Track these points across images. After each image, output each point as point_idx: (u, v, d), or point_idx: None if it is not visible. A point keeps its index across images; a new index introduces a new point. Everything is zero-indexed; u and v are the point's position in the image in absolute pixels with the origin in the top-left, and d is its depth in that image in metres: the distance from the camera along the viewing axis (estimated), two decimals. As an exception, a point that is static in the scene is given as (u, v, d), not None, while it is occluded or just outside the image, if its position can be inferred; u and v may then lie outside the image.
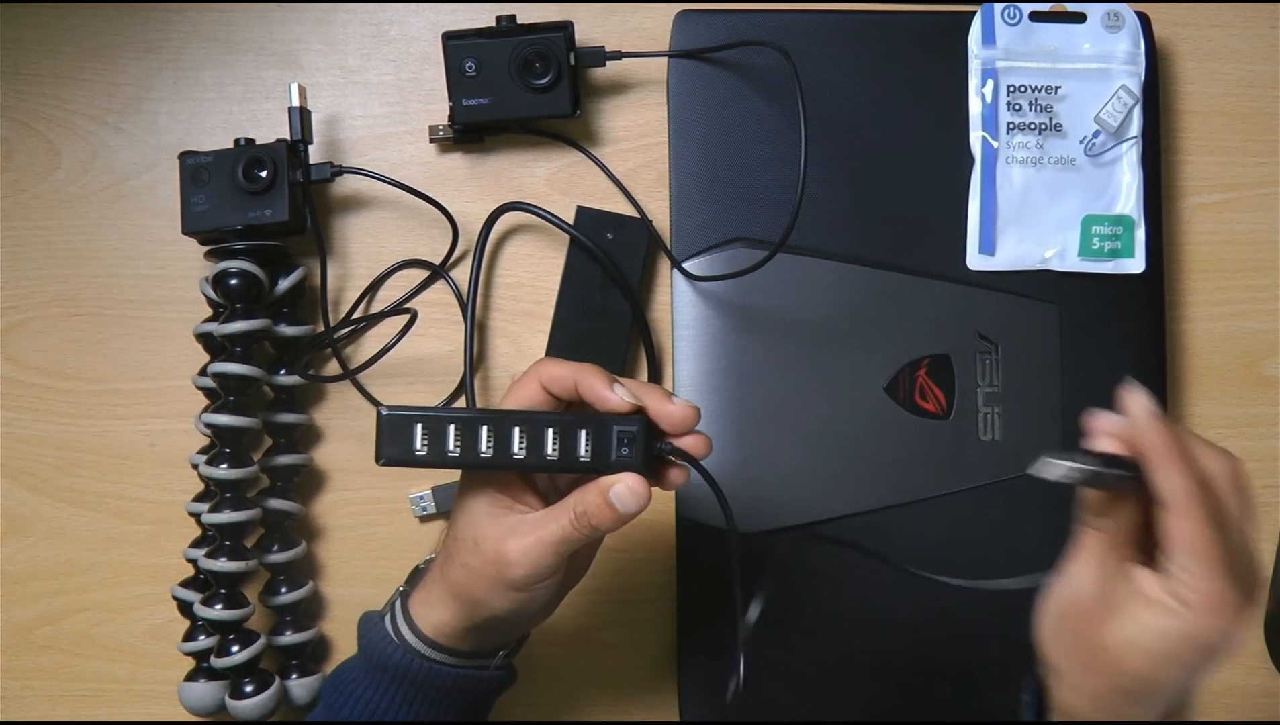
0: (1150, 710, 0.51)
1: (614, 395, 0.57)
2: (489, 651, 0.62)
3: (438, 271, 0.75)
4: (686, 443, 0.57)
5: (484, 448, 0.57)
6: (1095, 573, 0.52)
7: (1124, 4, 0.75)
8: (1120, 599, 0.51)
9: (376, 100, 0.76)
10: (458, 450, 0.57)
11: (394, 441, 0.57)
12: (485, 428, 0.57)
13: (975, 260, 0.74)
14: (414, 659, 0.60)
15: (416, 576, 0.65)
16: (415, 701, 0.61)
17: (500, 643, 0.63)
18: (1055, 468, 0.50)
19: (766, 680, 0.73)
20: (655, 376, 0.75)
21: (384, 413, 0.57)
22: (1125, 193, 0.74)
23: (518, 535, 0.57)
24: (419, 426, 0.57)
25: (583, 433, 0.57)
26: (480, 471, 0.59)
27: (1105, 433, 0.52)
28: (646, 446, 0.57)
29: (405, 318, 0.71)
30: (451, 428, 0.57)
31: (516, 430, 0.57)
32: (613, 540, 0.66)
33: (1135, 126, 0.74)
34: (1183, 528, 0.48)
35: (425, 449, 0.57)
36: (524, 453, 0.57)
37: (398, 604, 0.62)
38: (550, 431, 0.57)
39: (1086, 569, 0.53)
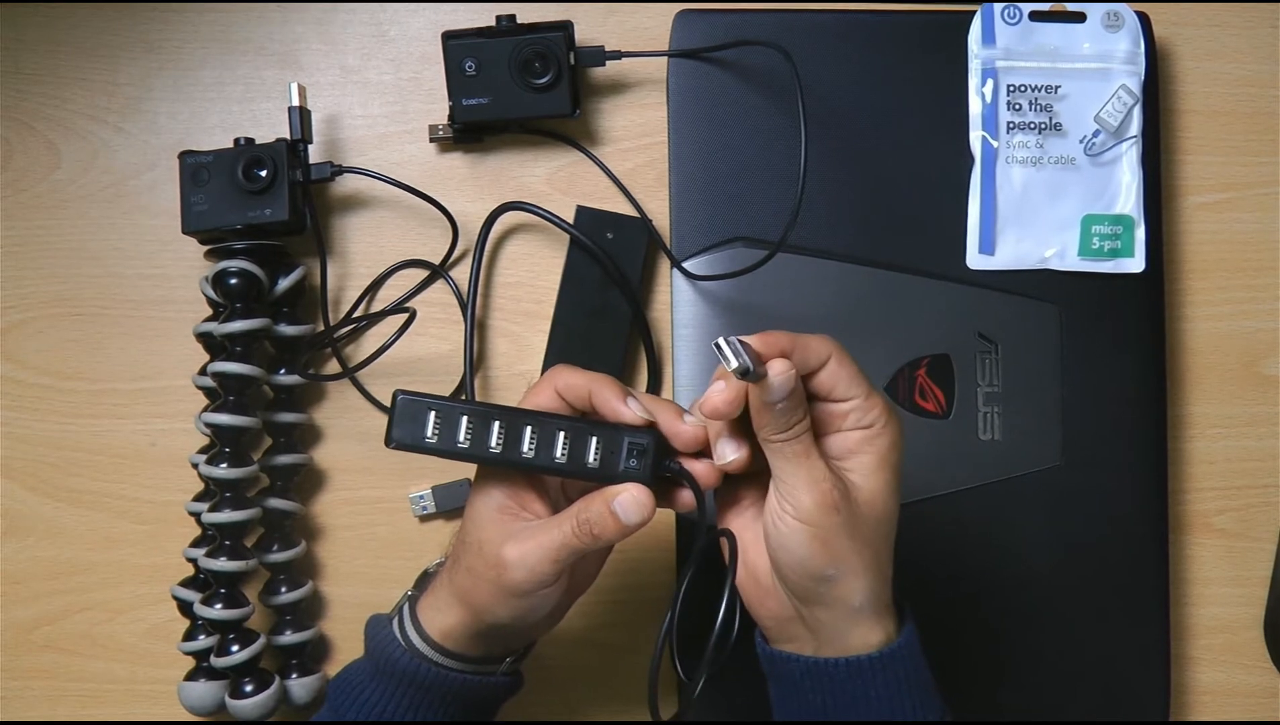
0: (894, 530, 0.57)
1: (627, 408, 0.57)
2: (497, 657, 0.62)
3: (437, 271, 0.75)
4: (700, 468, 0.58)
5: (494, 443, 0.57)
6: (821, 468, 0.55)
7: (1124, 4, 0.75)
8: (841, 472, 0.56)
9: (376, 100, 0.76)
10: (468, 442, 0.57)
11: (406, 425, 0.57)
12: (498, 423, 0.57)
13: (975, 260, 0.74)
14: (421, 663, 0.60)
15: (425, 580, 0.65)
16: (421, 705, 0.61)
17: (507, 649, 0.63)
18: (733, 356, 0.53)
19: (765, 680, 0.73)
20: (655, 376, 0.75)
21: (399, 395, 0.57)
22: (1125, 192, 0.74)
23: (518, 540, 0.57)
24: (432, 413, 0.57)
25: (593, 439, 0.57)
26: (490, 473, 0.59)
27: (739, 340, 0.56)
28: (655, 461, 0.57)
29: (405, 317, 0.71)
30: (464, 418, 0.57)
31: (528, 429, 0.57)
32: (612, 540, 0.66)
33: (1135, 126, 0.74)
34: (846, 368, 0.56)
35: (436, 436, 0.57)
36: (533, 453, 0.57)
37: (406, 608, 0.62)
38: (561, 434, 0.57)
39: (815, 471, 0.54)
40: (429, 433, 0.57)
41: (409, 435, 0.57)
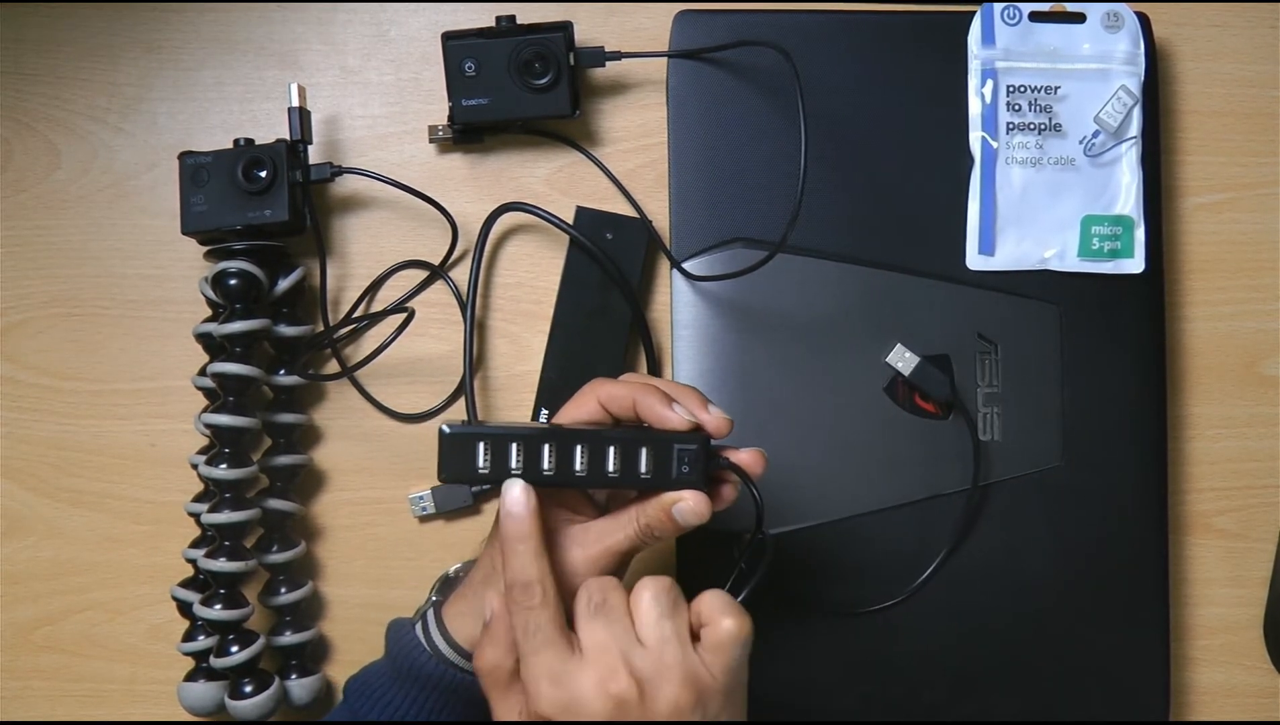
0: None
1: (675, 415, 0.57)
2: None
3: (437, 272, 0.75)
4: (743, 457, 0.58)
5: (547, 465, 0.57)
6: None
7: (1123, 4, 0.75)
8: None
9: (376, 100, 0.76)
10: (520, 468, 0.57)
11: (456, 460, 0.57)
12: (548, 445, 0.57)
13: (975, 260, 0.74)
14: (447, 669, 0.61)
15: (448, 585, 0.65)
16: (444, 709, 0.62)
17: None
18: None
19: (767, 680, 0.73)
20: (654, 376, 0.75)
21: (446, 431, 0.57)
22: (1125, 193, 0.74)
23: (583, 546, 0.58)
24: (481, 445, 0.57)
25: (644, 451, 0.57)
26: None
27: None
28: (706, 464, 0.57)
29: (403, 317, 0.71)
30: (514, 446, 0.57)
31: (579, 448, 0.57)
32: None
33: (1135, 126, 0.74)
34: None
35: (488, 467, 0.57)
36: (585, 471, 0.57)
37: (430, 613, 0.63)
38: (612, 449, 0.57)
39: None
40: (480, 464, 0.57)
41: (461, 469, 0.57)
